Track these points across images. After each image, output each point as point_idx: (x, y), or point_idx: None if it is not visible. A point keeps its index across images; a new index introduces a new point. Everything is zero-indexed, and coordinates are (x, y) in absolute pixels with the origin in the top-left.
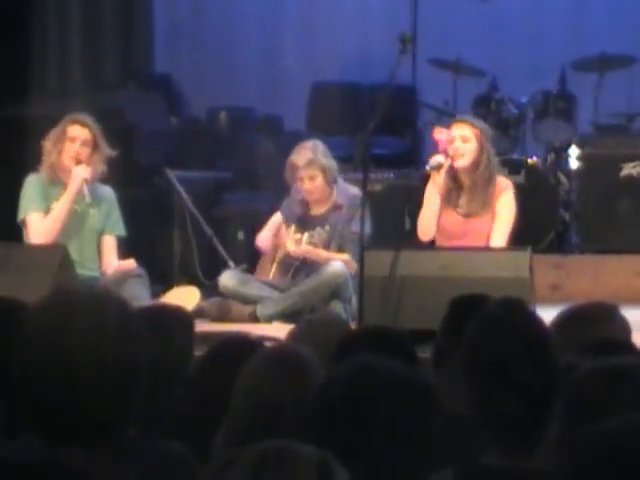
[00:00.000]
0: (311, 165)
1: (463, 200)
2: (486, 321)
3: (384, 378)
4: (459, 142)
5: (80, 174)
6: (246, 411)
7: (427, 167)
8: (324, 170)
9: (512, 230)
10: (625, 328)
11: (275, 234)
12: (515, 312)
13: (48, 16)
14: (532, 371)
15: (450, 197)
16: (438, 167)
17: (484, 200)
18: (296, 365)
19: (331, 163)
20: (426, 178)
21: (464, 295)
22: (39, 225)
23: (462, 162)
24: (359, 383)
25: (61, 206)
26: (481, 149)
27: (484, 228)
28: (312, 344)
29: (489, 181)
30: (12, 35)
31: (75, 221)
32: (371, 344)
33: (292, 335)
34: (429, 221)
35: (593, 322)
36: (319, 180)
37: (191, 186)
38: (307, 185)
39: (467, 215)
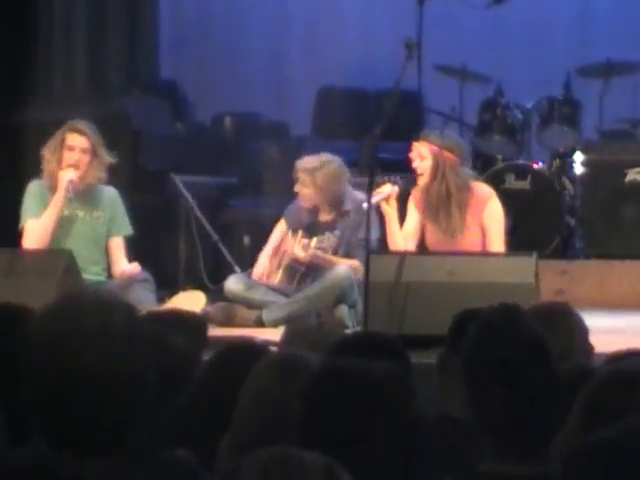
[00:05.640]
0: (305, 175)
1: (441, 215)
2: (485, 326)
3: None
4: (417, 161)
5: (66, 177)
6: (252, 417)
7: (364, 205)
8: (316, 187)
9: (512, 235)
10: (582, 328)
11: (275, 253)
12: (513, 317)
13: (53, 22)
14: (533, 375)
15: (430, 212)
16: (385, 198)
17: (460, 215)
18: (301, 371)
19: (330, 187)
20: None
21: (469, 310)
22: (32, 230)
23: (422, 180)
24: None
25: (50, 211)
26: (436, 166)
27: (470, 245)
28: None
29: (448, 196)
30: (17, 41)
31: (79, 226)
32: (363, 350)
33: (280, 345)
34: (395, 246)
35: (550, 322)
36: (308, 191)
37: (196, 191)
38: (297, 187)
39: (447, 233)
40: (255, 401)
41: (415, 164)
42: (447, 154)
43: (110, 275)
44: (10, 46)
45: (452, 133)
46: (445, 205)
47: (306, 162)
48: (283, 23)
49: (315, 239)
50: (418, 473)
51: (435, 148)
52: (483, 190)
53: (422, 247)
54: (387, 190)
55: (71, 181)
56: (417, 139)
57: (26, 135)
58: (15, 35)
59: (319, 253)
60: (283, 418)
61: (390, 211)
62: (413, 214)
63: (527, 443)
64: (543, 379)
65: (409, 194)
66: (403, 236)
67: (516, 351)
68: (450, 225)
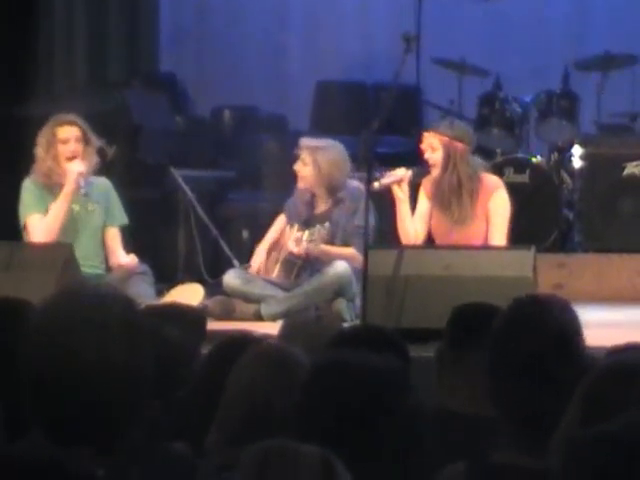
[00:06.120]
0: (307, 153)
1: (453, 204)
2: (512, 318)
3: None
4: (429, 152)
5: (75, 169)
6: (237, 410)
7: (376, 184)
8: (316, 166)
9: (511, 228)
10: (575, 321)
11: (274, 242)
12: (540, 309)
13: (54, 16)
14: (563, 366)
15: (440, 201)
16: (397, 182)
17: (470, 204)
18: (285, 363)
19: (329, 170)
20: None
21: (468, 303)
22: (39, 225)
23: (435, 171)
24: (329, 378)
25: (60, 204)
26: (447, 156)
27: (477, 234)
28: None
29: (459, 185)
30: (18, 35)
31: (75, 220)
32: (362, 343)
33: (277, 339)
34: (406, 232)
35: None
36: (307, 171)
37: (195, 185)
38: (297, 165)
39: (458, 222)
40: (240, 393)
41: (426, 156)
42: (457, 144)
43: (108, 267)
44: (11, 41)
45: (461, 122)
46: (457, 194)
47: (310, 141)
48: (282, 17)
49: (307, 232)
50: (416, 465)
51: (445, 139)
52: (491, 180)
53: (428, 236)
54: (400, 173)
55: (81, 173)
56: (427, 130)
57: (28, 130)
58: (16, 30)
59: (311, 246)
60: (267, 410)
61: (402, 196)
62: (424, 202)
63: (551, 435)
64: (570, 370)
65: (419, 185)
66: (413, 220)
67: (544, 343)
68: (462, 213)
